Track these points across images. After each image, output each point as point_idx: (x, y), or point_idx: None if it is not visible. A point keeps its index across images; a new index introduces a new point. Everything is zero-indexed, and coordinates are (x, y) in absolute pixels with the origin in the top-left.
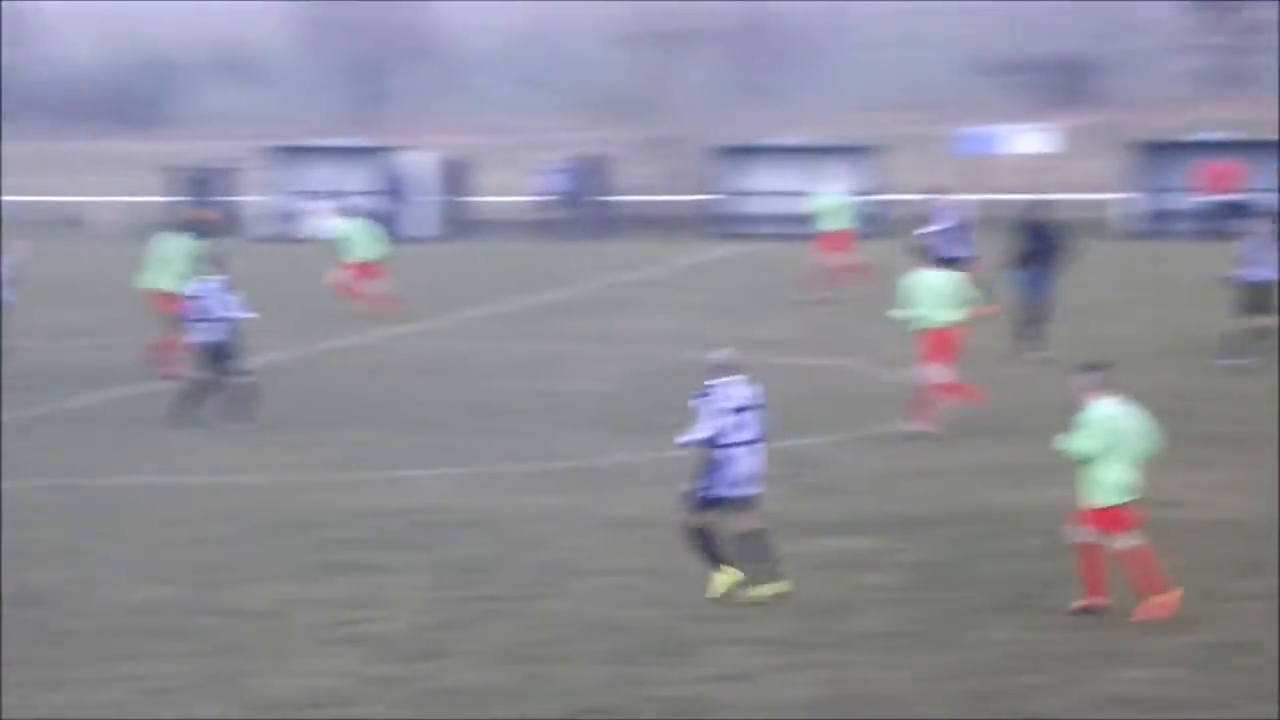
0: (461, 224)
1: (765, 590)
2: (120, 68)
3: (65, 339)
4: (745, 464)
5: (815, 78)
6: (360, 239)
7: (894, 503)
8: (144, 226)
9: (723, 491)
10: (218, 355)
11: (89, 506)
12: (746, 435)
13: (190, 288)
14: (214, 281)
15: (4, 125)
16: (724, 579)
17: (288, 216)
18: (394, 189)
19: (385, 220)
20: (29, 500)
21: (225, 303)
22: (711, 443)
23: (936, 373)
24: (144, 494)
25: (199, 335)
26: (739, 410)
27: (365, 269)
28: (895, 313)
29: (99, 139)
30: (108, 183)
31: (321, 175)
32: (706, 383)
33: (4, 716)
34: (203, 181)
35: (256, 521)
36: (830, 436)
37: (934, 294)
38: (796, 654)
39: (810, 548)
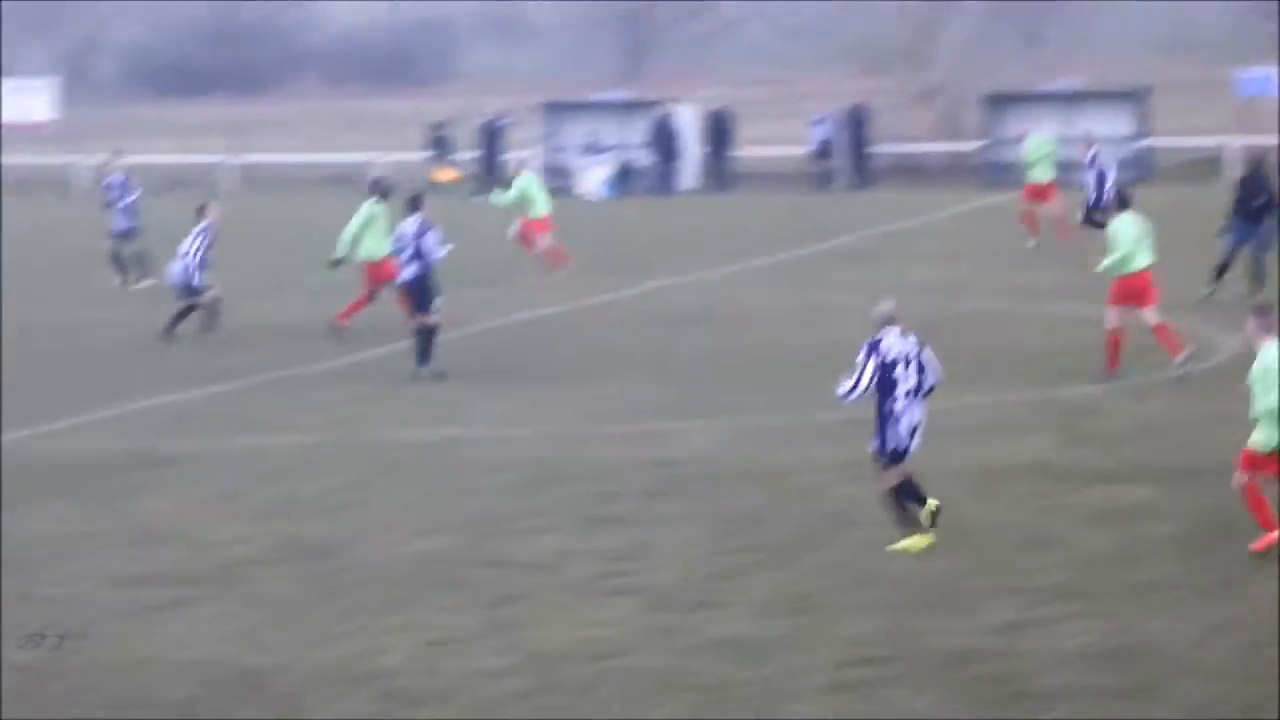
0: (727, 176)
1: (907, 544)
2: (393, 27)
3: (327, 296)
4: (907, 417)
5: (1085, 21)
6: (538, 194)
7: (1169, 452)
8: (411, 184)
9: (897, 443)
10: (418, 293)
11: (364, 460)
12: (908, 388)
13: (395, 233)
14: (414, 222)
15: (276, 87)
16: (917, 540)
17: (558, 172)
18: (661, 142)
19: (653, 174)
20: (307, 454)
21: (424, 241)
22: (872, 394)
23: (1151, 315)
24: (415, 448)
25: (404, 275)
26: (898, 363)
27: (540, 224)
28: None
29: (370, 98)
30: (379, 142)
31: (591, 130)
32: (873, 335)
33: (281, 664)
34: (445, 139)
35: (526, 474)
36: (1103, 385)
37: (1136, 238)
38: (1075, 604)
39: (1087, 498)
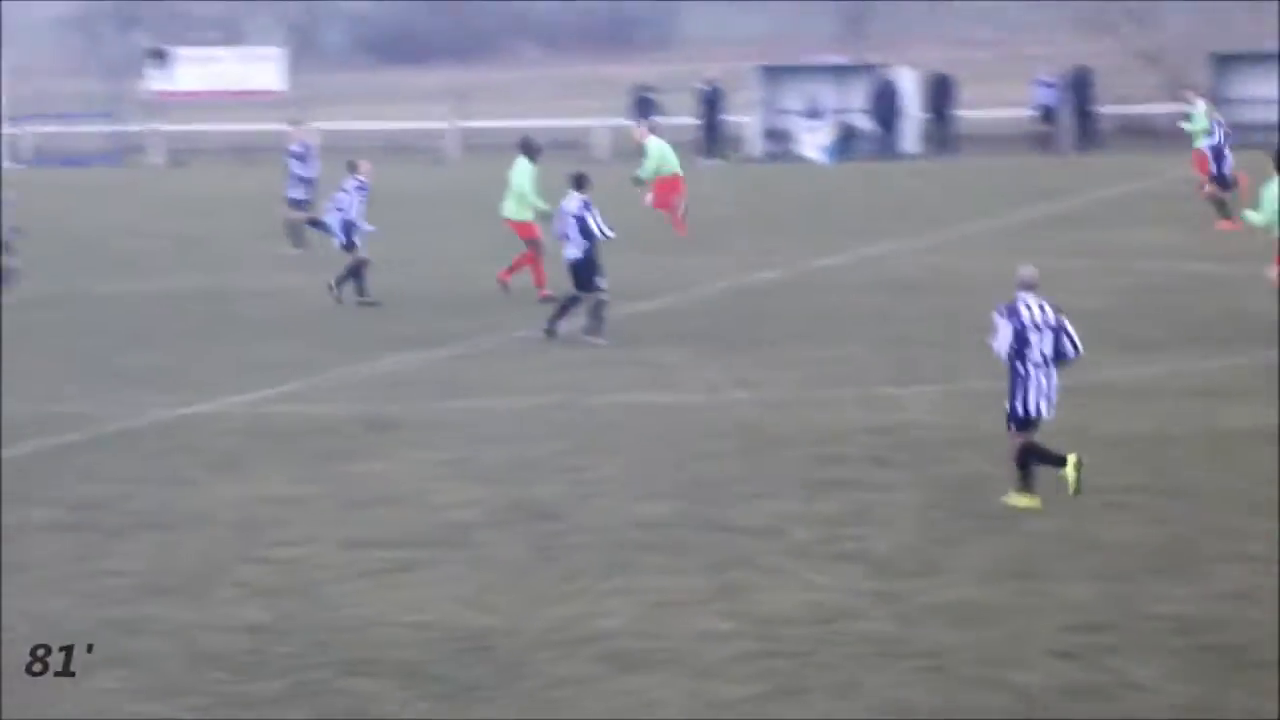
0: (947, 140)
1: (1017, 500)
2: None
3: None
4: (1036, 384)
5: None
6: (668, 157)
7: None
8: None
9: (1029, 407)
10: (583, 272)
11: (584, 425)
12: (1041, 355)
13: (560, 207)
14: (577, 201)
15: (498, 53)
16: (1024, 500)
17: (778, 135)
18: (881, 106)
19: (873, 138)
20: (528, 418)
21: (587, 220)
22: (1012, 355)
23: None
24: (635, 412)
25: (568, 252)
26: (1032, 329)
27: (665, 184)
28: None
29: (591, 63)
30: (604, 106)
31: (809, 94)
32: (1015, 296)
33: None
34: (649, 103)
35: (746, 439)
36: None
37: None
38: None
39: None
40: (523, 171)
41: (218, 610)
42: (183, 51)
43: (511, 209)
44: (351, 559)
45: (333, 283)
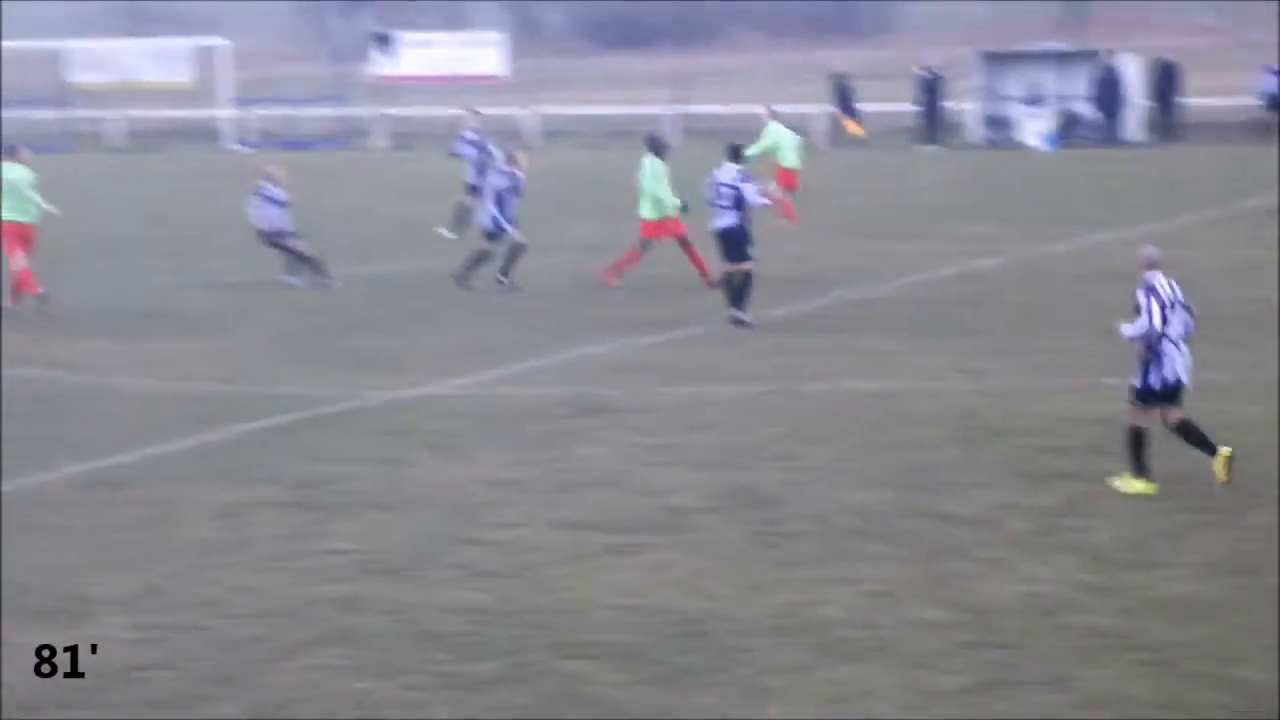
0: (1171, 128)
1: (1126, 485)
2: None
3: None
4: (1175, 359)
5: None
6: (788, 144)
7: None
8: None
9: (1159, 384)
10: (734, 241)
11: (799, 411)
12: (1178, 331)
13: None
14: (733, 171)
15: (717, 39)
16: (1138, 485)
17: (998, 122)
18: (1104, 93)
19: (1095, 125)
20: (744, 404)
21: (744, 190)
22: (1152, 335)
23: None
24: (852, 398)
25: (718, 222)
26: (1169, 305)
27: (785, 175)
28: None
29: (811, 50)
30: (823, 93)
31: (1031, 80)
32: (1144, 276)
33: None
34: (846, 89)
35: (962, 428)
36: None
37: None
38: None
39: None
40: (653, 171)
41: (436, 590)
42: (406, 36)
43: (648, 209)
44: (567, 541)
45: (499, 275)
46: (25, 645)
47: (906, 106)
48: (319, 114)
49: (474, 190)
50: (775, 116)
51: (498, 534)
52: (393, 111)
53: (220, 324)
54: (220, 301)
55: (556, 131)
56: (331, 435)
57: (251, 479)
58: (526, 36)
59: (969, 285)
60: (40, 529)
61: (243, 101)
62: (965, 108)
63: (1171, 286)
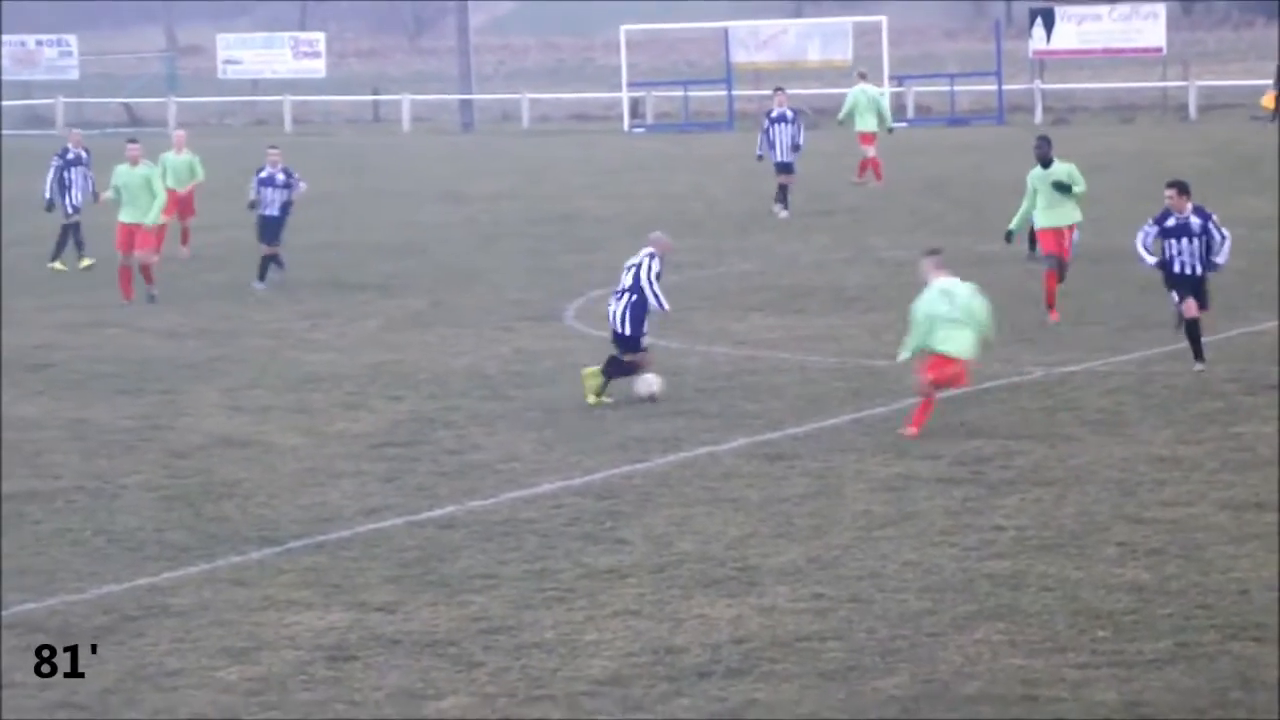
0: None
1: None
2: None
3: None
4: None
5: None
6: (864, 107)
7: None
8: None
9: None
10: None
11: None
12: None
13: None
14: None
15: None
16: None
17: None
18: None
19: None
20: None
21: None
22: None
23: None
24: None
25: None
26: None
27: (863, 137)
28: None
29: None
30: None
31: None
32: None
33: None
34: None
35: None
36: None
37: None
38: None
39: None
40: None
41: (1099, 568)
42: (1067, 10)
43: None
44: (1233, 521)
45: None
46: (696, 613)
47: None
48: (975, 89)
49: (781, 169)
50: (863, 78)
51: (1162, 512)
52: (1050, 86)
53: (880, 300)
54: (881, 278)
55: (1210, 105)
56: (993, 410)
57: (914, 453)
58: (1189, 8)
59: None
60: (712, 500)
61: (899, 77)
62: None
63: None
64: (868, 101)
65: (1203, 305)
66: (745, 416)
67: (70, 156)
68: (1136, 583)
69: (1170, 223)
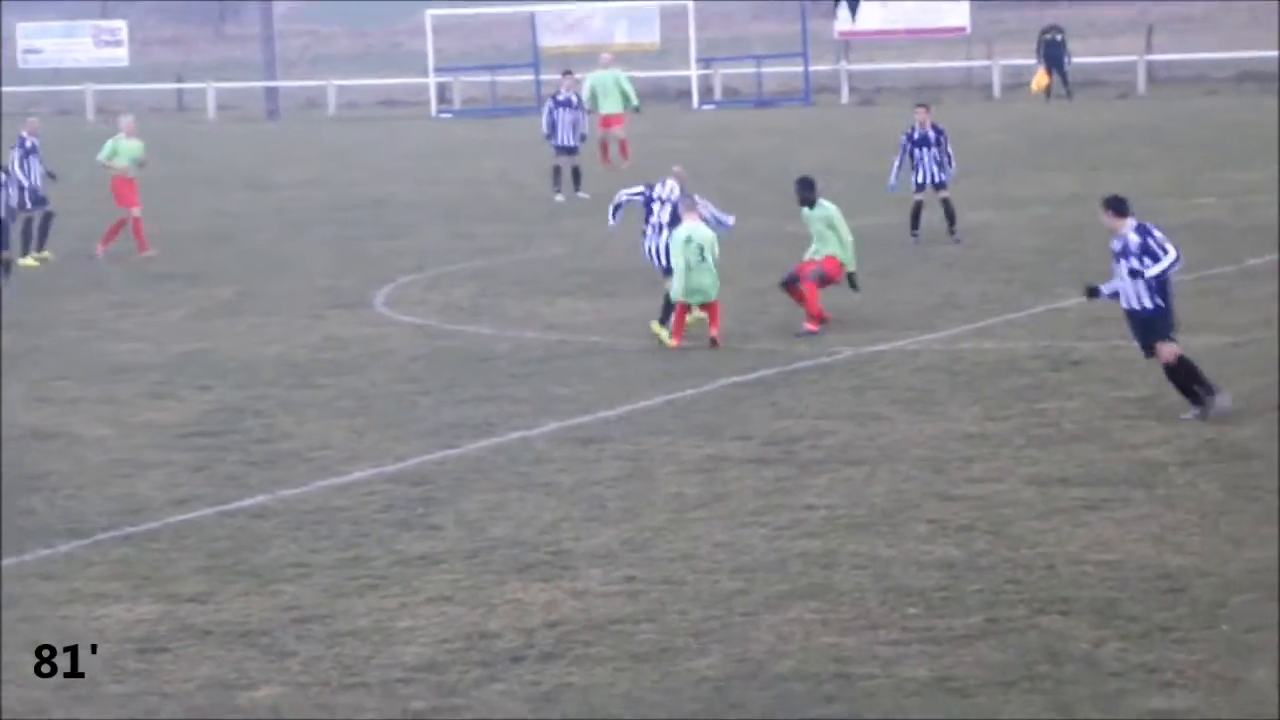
0: None
1: None
2: None
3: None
4: None
5: None
6: (611, 90)
7: None
8: None
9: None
10: None
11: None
12: None
13: None
14: None
15: None
16: None
17: None
18: None
19: None
20: (1231, 355)
21: None
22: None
23: None
24: None
25: None
26: None
27: (606, 120)
28: None
29: None
30: None
31: None
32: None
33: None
34: (1052, 44)
35: None
36: None
37: None
38: None
39: None
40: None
41: (909, 545)
42: None
43: None
44: (1041, 496)
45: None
46: (509, 598)
47: None
48: (782, 71)
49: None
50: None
51: (970, 489)
52: (856, 67)
53: None
54: None
55: (1017, 85)
56: (803, 390)
57: (725, 435)
58: None
59: None
60: (525, 485)
61: (705, 60)
62: None
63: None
64: (612, 83)
65: (1158, 340)
66: (557, 400)
67: (29, 145)
68: (946, 559)
69: (1116, 246)
